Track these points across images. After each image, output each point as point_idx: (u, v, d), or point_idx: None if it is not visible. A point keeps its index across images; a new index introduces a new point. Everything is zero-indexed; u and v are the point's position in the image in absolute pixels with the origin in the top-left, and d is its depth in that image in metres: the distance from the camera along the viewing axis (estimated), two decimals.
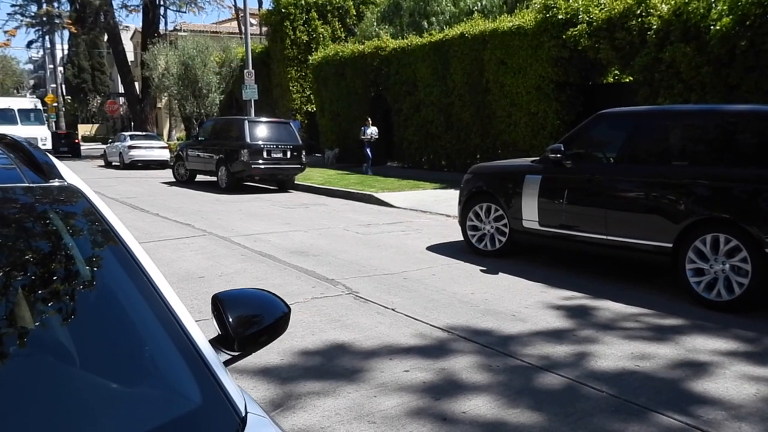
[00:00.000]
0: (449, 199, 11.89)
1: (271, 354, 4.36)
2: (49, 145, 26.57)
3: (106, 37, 39.89)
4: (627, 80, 13.24)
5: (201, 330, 1.50)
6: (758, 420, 3.51)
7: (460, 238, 8.17)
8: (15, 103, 28.42)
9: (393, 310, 5.50)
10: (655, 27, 11.30)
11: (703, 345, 4.65)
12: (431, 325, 5.07)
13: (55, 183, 1.79)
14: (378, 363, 4.30)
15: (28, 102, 29.56)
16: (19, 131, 23.24)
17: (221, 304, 1.57)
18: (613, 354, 4.48)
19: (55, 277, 1.64)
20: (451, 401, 3.72)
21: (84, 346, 1.45)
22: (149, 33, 32.46)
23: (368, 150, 18.47)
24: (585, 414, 3.58)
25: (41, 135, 26.28)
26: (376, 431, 3.37)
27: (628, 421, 3.49)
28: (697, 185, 5.72)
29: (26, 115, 27.36)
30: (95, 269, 1.71)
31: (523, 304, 5.70)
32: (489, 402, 3.72)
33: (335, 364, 4.29)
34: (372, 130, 18.56)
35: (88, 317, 1.55)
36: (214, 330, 1.62)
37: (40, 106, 28.91)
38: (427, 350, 4.55)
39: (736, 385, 3.96)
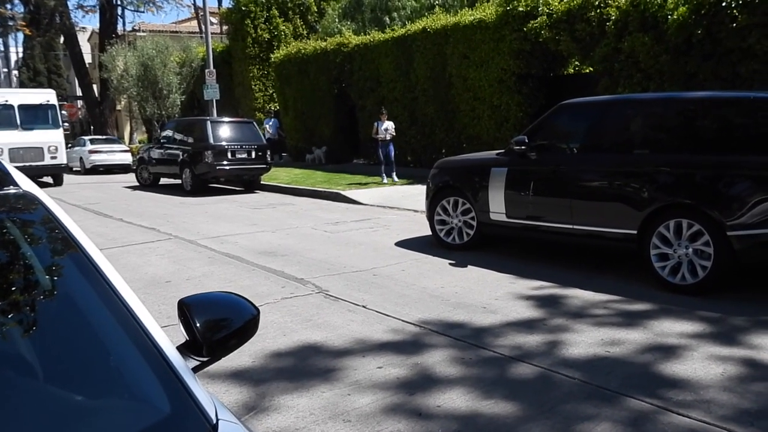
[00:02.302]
0: (416, 194, 11.91)
1: (243, 357, 4.31)
2: (63, 158, 18.74)
3: (62, 39, 38.96)
4: (588, 71, 13.42)
5: (168, 336, 1.46)
6: (726, 399, 3.58)
7: (429, 232, 8.19)
8: (17, 97, 18.73)
9: (364, 307, 5.48)
10: (613, 18, 11.46)
11: (670, 328, 4.74)
12: (403, 321, 5.07)
13: (11, 190, 1.73)
14: (351, 361, 4.28)
15: (37, 95, 19.30)
16: (22, 138, 17.89)
17: (188, 309, 1.54)
18: (584, 341, 4.53)
19: (13, 288, 1.58)
20: (426, 396, 3.72)
21: (46, 358, 1.40)
22: (107, 34, 31.79)
23: (385, 150, 14.88)
24: (558, 401, 3.61)
25: (52, 142, 18.37)
26: (352, 430, 3.35)
27: (600, 406, 3.53)
28: (660, 172, 5.82)
29: (33, 115, 18.47)
30: (55, 278, 1.66)
31: (493, 295, 5.73)
32: (463, 395, 3.73)
33: (308, 364, 4.25)
34: (388, 126, 14.93)
35: (50, 328, 1.49)
36: (183, 336, 1.58)
37: (54, 101, 19.11)
38: (400, 346, 4.55)
39: (703, 366, 4.04)
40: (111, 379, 1.37)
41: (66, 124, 26.40)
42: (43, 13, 31.32)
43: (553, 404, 3.58)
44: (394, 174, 14.85)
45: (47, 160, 18.04)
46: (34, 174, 15.97)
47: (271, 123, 22.04)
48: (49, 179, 19.04)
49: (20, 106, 18.13)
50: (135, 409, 1.32)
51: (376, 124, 15.09)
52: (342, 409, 3.57)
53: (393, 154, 14.96)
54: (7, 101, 17.95)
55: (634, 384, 3.81)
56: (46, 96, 19.08)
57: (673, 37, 10.34)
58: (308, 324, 5.05)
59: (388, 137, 14.81)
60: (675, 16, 10.28)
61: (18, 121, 17.94)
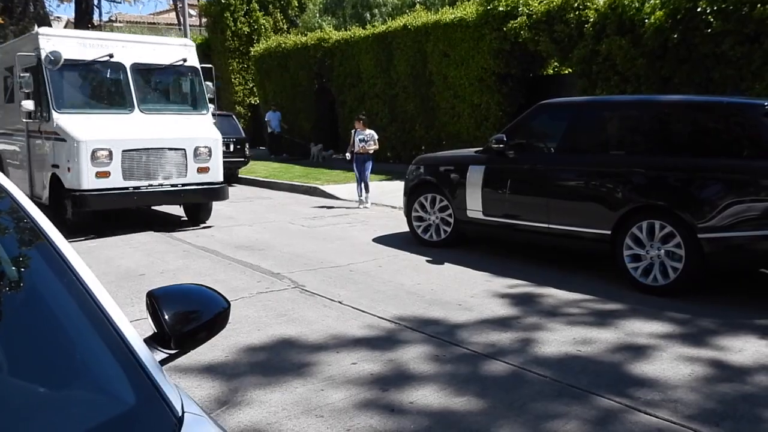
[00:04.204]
0: (395, 190, 11.91)
1: (216, 351, 4.28)
2: (218, 170, 9.49)
3: (36, 28, 38.23)
4: (567, 72, 13.52)
5: (140, 330, 1.45)
6: (693, 399, 3.64)
7: (406, 229, 8.20)
8: (131, 50, 9.40)
9: (339, 302, 5.47)
10: (592, 20, 11.57)
11: (640, 329, 4.80)
12: (378, 317, 5.07)
13: None
14: (325, 356, 4.27)
15: (165, 49, 9.87)
16: (143, 131, 8.89)
17: (156, 300, 1.52)
18: (556, 340, 4.58)
19: None
20: (399, 392, 3.73)
21: (11, 350, 1.38)
22: (82, 24, 31.24)
23: (360, 167, 11.24)
24: (529, 399, 3.64)
25: (198, 138, 9.25)
26: (324, 425, 3.35)
27: (570, 404, 3.57)
28: (634, 174, 5.89)
29: (160, 86, 9.97)
30: (22, 269, 1.63)
31: (468, 293, 5.76)
32: (436, 391, 3.74)
33: (282, 359, 4.24)
34: (366, 135, 11.33)
35: (15, 320, 1.47)
36: (152, 329, 1.56)
37: (195, 60, 9.95)
38: (375, 342, 4.55)
39: (672, 367, 4.10)
40: (76, 370, 1.35)
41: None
42: (17, 1, 30.70)
43: (523, 401, 3.61)
44: (366, 195, 11.27)
45: (191, 176, 9.09)
46: (162, 201, 9.50)
47: (272, 116, 20.66)
48: (175, 210, 10.44)
49: (137, 69, 9.25)
50: (99, 400, 1.30)
51: (353, 132, 11.45)
52: (315, 405, 3.57)
53: (368, 173, 11.22)
54: (111, 57, 9.07)
55: (604, 383, 3.85)
56: (179, 51, 9.85)
57: (649, 42, 10.46)
58: (283, 319, 5.03)
59: (370, 150, 11.18)
60: (651, 21, 10.40)
61: (133, 98, 9.08)
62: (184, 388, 1.36)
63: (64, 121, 8.43)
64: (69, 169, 8.28)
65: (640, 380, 3.90)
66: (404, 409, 3.52)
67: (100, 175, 8.23)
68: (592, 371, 4.05)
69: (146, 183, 8.64)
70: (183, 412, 1.25)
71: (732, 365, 4.15)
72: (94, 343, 1.36)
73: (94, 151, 8.18)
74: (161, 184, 8.77)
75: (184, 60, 9.68)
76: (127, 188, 8.49)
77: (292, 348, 4.44)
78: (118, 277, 6.33)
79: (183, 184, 8.97)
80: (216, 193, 9.37)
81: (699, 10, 9.79)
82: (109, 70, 9.13)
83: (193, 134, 9.12)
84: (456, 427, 3.33)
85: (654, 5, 10.54)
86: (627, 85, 11.04)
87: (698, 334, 4.71)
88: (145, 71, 9.40)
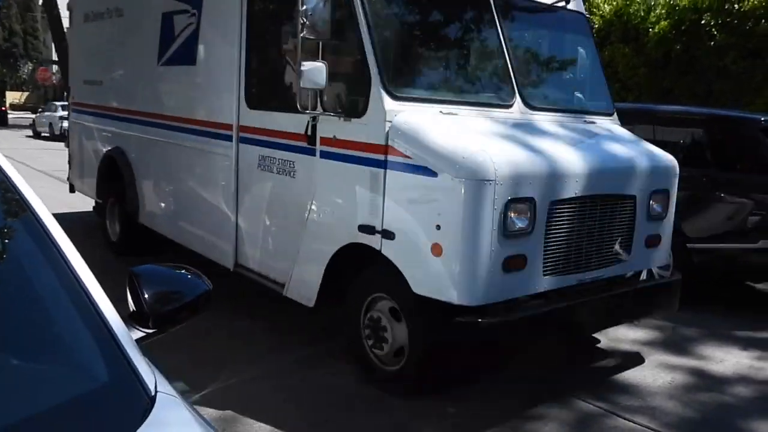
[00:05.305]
0: None
1: None
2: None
3: (40, 1, 37.97)
4: None
5: (113, 306, 1.44)
6: (671, 406, 3.67)
7: None
8: None
9: None
10: (597, 26, 11.57)
11: (624, 335, 4.82)
12: None
13: None
14: None
15: None
16: (565, 158, 3.70)
17: (137, 278, 1.51)
18: (542, 344, 4.59)
19: None
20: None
21: None
22: None
23: None
24: (515, 403, 3.65)
25: (662, 172, 4.26)
26: None
27: (551, 406, 3.58)
28: None
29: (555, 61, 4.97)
30: (5, 240, 1.62)
31: None
32: None
33: None
34: None
35: None
36: (129, 305, 1.56)
37: (582, 7, 4.97)
38: None
39: (653, 374, 4.13)
40: (50, 344, 1.35)
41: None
42: None
43: (504, 408, 3.63)
44: None
45: (639, 257, 4.19)
46: (602, 323, 4.25)
47: None
48: None
49: (511, 10, 4.45)
50: (72, 375, 1.30)
51: None
52: None
53: None
54: None
55: (585, 387, 3.87)
56: None
57: (653, 51, 10.47)
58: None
59: None
60: (656, 30, 10.41)
61: (511, 75, 4.14)
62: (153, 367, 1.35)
63: (413, 120, 3.61)
64: (436, 247, 3.38)
65: (621, 386, 3.93)
66: None
67: (511, 265, 3.46)
68: (573, 374, 4.07)
69: (575, 278, 3.84)
70: (156, 392, 1.25)
71: (712, 375, 4.18)
72: (70, 317, 1.36)
73: (509, 203, 3.40)
74: (597, 281, 3.99)
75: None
76: (550, 298, 3.76)
77: None
78: (106, 254, 6.32)
79: (633, 281, 4.38)
80: (667, 298, 4.44)
81: (703, 22, 9.81)
82: (467, 10, 4.38)
83: (642, 162, 4.18)
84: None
85: (659, 15, 10.55)
86: (628, 94, 11.05)
87: (680, 343, 4.74)
88: (523, 19, 4.67)
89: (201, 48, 5.07)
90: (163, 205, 5.79)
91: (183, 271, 1.67)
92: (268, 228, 4.38)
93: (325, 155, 3.83)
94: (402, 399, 3.56)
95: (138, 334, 1.45)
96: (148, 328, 1.49)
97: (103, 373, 1.27)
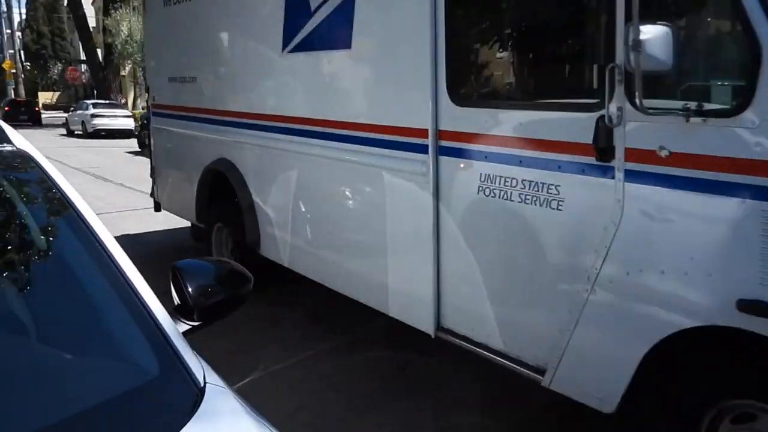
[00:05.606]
0: None
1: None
2: None
3: (65, 1, 38.58)
4: None
5: (159, 300, 1.47)
6: None
7: None
8: None
9: None
10: None
11: None
12: None
13: (6, 148, 1.72)
14: None
15: None
16: None
17: (180, 273, 1.54)
18: None
19: (9, 247, 1.59)
20: None
21: (39, 316, 1.41)
22: None
23: None
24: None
25: None
26: None
27: None
28: None
29: None
30: (50, 238, 1.66)
31: None
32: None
33: None
34: None
35: (43, 287, 1.50)
36: (174, 299, 1.58)
37: None
38: None
39: None
40: (101, 339, 1.38)
41: None
42: None
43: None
44: None
45: None
46: None
47: None
48: None
49: None
50: (124, 369, 1.33)
51: None
52: None
53: None
54: None
55: None
56: None
57: None
58: None
59: None
60: None
61: None
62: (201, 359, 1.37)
63: None
64: None
65: None
66: None
67: None
68: None
69: None
70: (205, 383, 1.27)
71: None
72: (119, 312, 1.39)
73: None
74: None
75: None
76: None
77: None
78: (142, 250, 6.43)
79: None
80: None
81: None
82: None
83: None
84: None
85: None
86: None
87: None
88: None
89: (360, 23, 3.49)
90: (301, 236, 4.27)
91: (224, 264, 1.69)
92: (501, 282, 2.93)
93: (637, 178, 2.32)
94: (441, 384, 3.57)
95: (183, 327, 1.48)
96: (193, 321, 1.51)
97: (153, 367, 1.30)
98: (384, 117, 3.41)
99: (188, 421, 1.16)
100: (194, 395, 1.23)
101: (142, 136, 18.32)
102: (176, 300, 1.55)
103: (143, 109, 31.71)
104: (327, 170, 3.91)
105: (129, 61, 30.10)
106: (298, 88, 4.18)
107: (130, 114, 25.79)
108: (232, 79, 4.91)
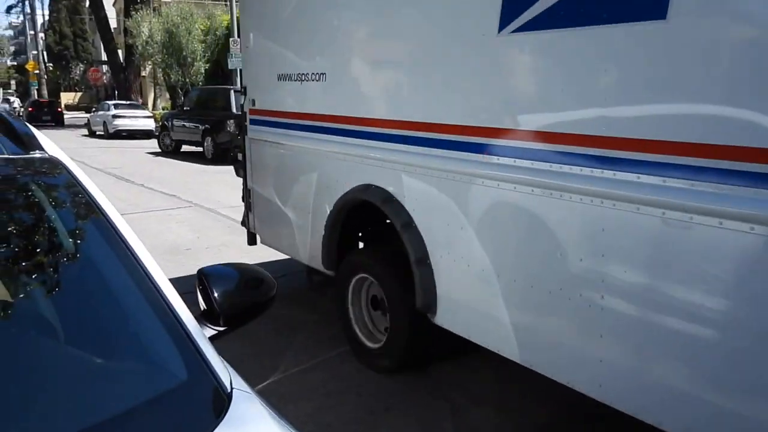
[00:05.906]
0: None
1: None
2: None
3: (87, 3, 39.04)
4: None
5: (186, 304, 1.48)
6: None
7: None
8: None
9: None
10: None
11: None
12: None
13: (36, 155, 1.75)
14: None
15: None
16: None
17: (207, 278, 1.55)
18: None
19: (38, 250, 1.61)
20: None
21: (68, 320, 1.43)
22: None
23: None
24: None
25: None
26: None
27: None
28: None
29: None
30: (78, 242, 1.68)
31: None
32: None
33: None
34: None
35: (72, 291, 1.52)
36: (200, 304, 1.60)
37: None
38: None
39: None
40: (129, 343, 1.40)
41: None
42: None
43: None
44: None
45: None
46: None
47: None
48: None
49: None
50: (152, 373, 1.34)
51: None
52: None
53: None
54: None
55: None
56: None
57: None
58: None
59: None
60: None
61: None
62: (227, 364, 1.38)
63: None
64: None
65: None
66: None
67: None
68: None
69: None
70: (232, 389, 1.28)
71: None
72: (147, 316, 1.40)
73: None
74: None
75: None
76: None
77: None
78: (164, 250, 6.49)
79: None
80: None
81: None
82: None
83: None
84: None
85: None
86: None
87: None
88: None
89: None
90: (518, 311, 2.79)
91: (249, 270, 1.71)
92: None
93: None
94: (459, 385, 3.56)
95: (210, 332, 1.49)
96: (219, 326, 1.53)
97: (181, 372, 1.31)
98: (739, 136, 1.91)
99: (216, 426, 1.17)
100: (222, 400, 1.24)
101: (162, 137, 18.52)
102: (202, 305, 1.56)
103: (163, 109, 32.03)
104: (586, 216, 2.39)
105: (149, 63, 30.35)
106: (530, 87, 2.68)
107: (151, 115, 26.02)
108: (393, 76, 3.49)
